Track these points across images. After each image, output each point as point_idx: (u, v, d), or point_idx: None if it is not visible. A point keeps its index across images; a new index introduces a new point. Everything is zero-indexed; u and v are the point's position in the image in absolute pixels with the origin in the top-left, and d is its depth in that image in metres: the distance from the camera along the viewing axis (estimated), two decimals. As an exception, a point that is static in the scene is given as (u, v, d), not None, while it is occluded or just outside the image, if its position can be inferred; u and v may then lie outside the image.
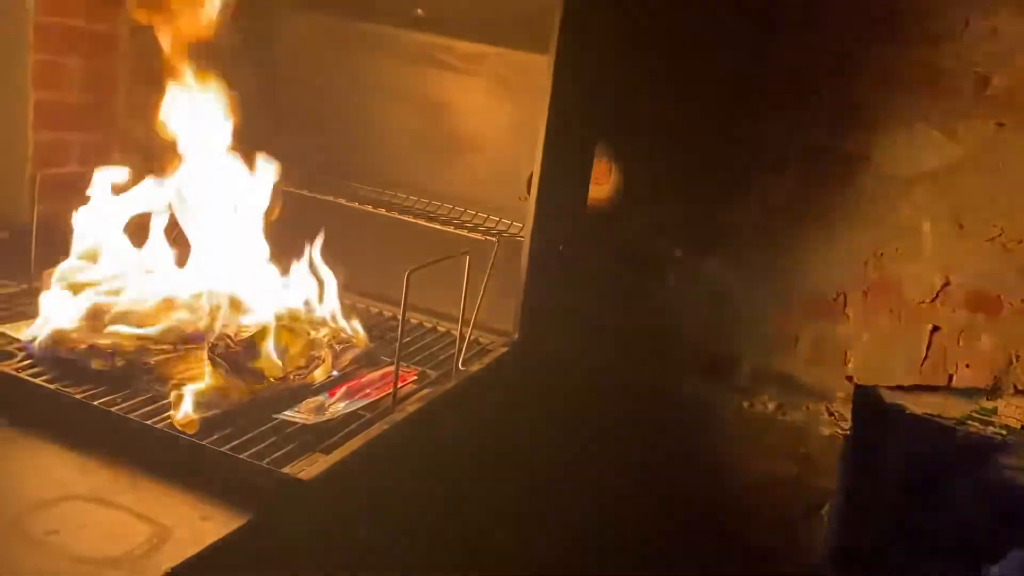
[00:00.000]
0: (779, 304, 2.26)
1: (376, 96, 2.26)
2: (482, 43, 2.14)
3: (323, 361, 1.66)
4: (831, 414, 2.24)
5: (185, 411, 1.40)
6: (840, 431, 2.22)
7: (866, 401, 2.23)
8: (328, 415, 1.49)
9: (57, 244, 1.84)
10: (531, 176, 1.96)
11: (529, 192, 1.97)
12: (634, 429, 2.29)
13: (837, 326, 2.24)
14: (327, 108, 2.31)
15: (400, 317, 1.57)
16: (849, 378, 2.24)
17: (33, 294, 1.75)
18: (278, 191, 1.83)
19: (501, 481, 1.98)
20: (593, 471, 2.29)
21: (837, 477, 2.23)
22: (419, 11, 2.16)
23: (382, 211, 2.11)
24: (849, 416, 2.22)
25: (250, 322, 1.64)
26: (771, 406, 2.28)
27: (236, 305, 1.70)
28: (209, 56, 1.87)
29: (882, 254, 2.17)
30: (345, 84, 2.29)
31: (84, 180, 2.44)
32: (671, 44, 2.24)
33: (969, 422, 2.17)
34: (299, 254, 1.88)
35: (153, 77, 1.91)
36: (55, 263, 1.76)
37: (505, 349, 1.96)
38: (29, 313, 1.70)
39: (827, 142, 2.18)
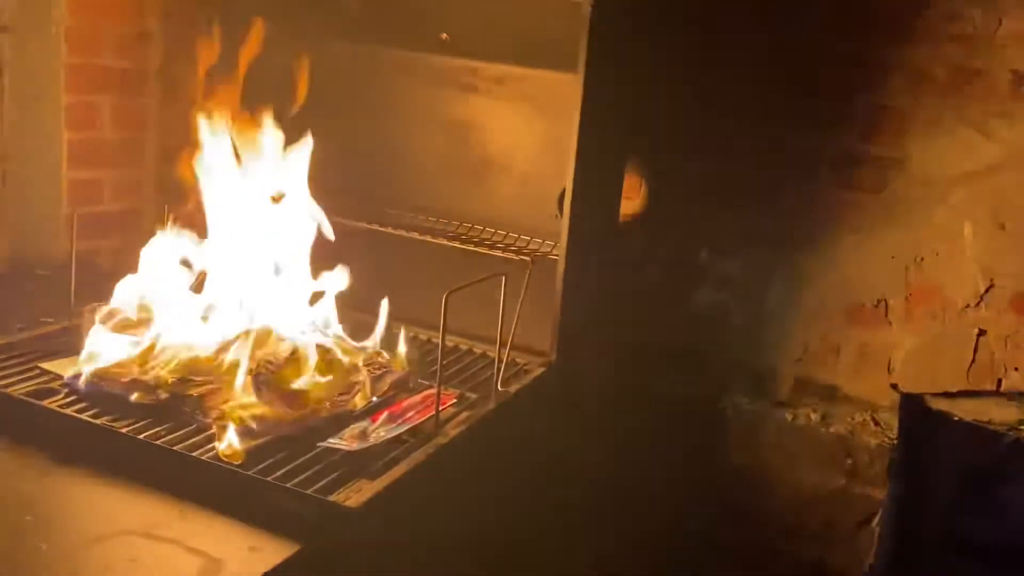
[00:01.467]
0: (819, 314, 2.23)
1: (404, 121, 2.27)
2: (508, 64, 2.15)
3: (363, 386, 1.65)
4: (877, 423, 2.20)
5: (229, 441, 1.40)
6: (887, 440, 2.17)
7: (913, 409, 2.19)
8: (371, 441, 1.48)
9: (93, 280, 1.86)
10: (562, 195, 1.96)
11: (561, 211, 1.96)
12: (675, 446, 2.26)
13: (879, 333, 2.20)
14: (356, 134, 2.33)
15: (440, 339, 1.56)
16: (894, 386, 2.20)
17: (73, 331, 1.77)
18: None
19: (545, 501, 1.96)
20: (635, 489, 2.26)
21: (886, 487, 2.18)
22: (444, 36, 2.17)
23: (415, 235, 2.11)
24: (896, 425, 2.18)
25: (289, 349, 1.64)
26: (815, 418, 2.24)
27: (274, 333, 1.71)
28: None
29: (922, 259, 2.14)
30: (373, 110, 2.30)
31: (116, 217, 2.48)
32: (698, 56, 2.23)
33: (1020, 427, 2.11)
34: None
35: (183, 113, 1.94)
36: (93, 300, 1.77)
37: (543, 369, 1.94)
38: (70, 350, 1.72)
39: (859, 147, 2.16)
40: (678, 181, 2.30)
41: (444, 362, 1.92)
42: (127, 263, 1.85)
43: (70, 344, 1.74)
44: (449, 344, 2.07)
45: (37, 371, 1.64)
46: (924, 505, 2.30)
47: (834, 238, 2.19)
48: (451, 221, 2.22)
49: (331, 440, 1.47)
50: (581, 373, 2.08)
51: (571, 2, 1.88)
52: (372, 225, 2.13)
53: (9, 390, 1.54)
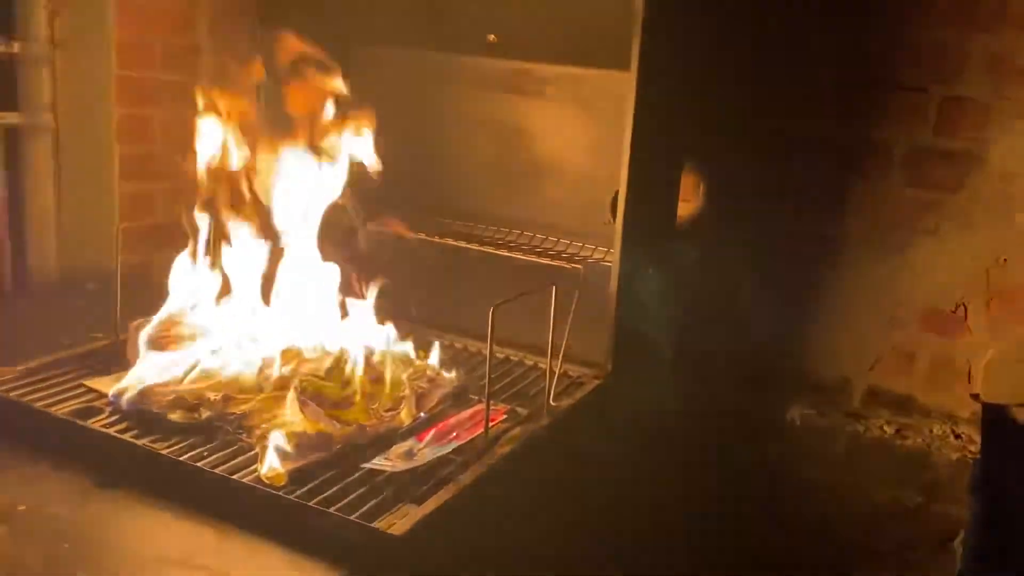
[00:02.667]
0: (892, 320, 2.11)
1: (452, 126, 2.23)
2: (558, 64, 2.08)
3: (407, 401, 1.59)
4: (957, 436, 2.06)
5: (270, 464, 1.34)
6: (969, 455, 2.03)
7: (996, 421, 2.04)
8: (417, 462, 1.42)
9: (145, 294, 1.83)
10: (615, 198, 1.88)
11: (614, 215, 1.88)
12: (740, 461, 2.16)
13: (958, 340, 2.06)
14: (402, 141, 2.27)
15: (487, 354, 1.49)
16: (975, 396, 2.06)
17: (120, 347, 1.74)
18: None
19: (601, 520, 1.87)
20: (699, 506, 2.15)
21: (968, 505, 2.04)
22: (491, 37, 2.10)
23: (462, 244, 2.05)
24: (978, 438, 2.04)
25: (332, 362, 1.59)
26: (889, 430, 2.11)
27: (316, 347, 1.66)
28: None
29: (1005, 260, 2.00)
30: (419, 115, 2.25)
31: (168, 229, 2.48)
32: (758, 48, 2.13)
33: (1116, 440, 1.96)
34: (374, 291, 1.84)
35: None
36: (145, 313, 1.74)
37: (598, 382, 1.86)
38: (117, 367, 1.69)
39: (934, 142, 2.03)
40: (739, 181, 2.20)
41: (494, 375, 1.86)
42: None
43: (117, 360, 1.71)
44: (500, 356, 2.00)
45: (83, 389, 1.62)
46: (1009, 523, 2.15)
47: (907, 239, 2.07)
48: (500, 228, 2.17)
49: (375, 461, 1.41)
50: (639, 385, 1.98)
51: (623, -2, 1.81)
52: (418, 234, 2.08)
53: (53, 409, 1.52)
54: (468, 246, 2.05)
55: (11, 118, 2.22)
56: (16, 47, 2.17)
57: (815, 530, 2.14)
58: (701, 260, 2.22)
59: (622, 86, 1.77)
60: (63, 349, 1.78)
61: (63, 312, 2.08)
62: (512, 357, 2.00)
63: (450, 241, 2.06)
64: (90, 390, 1.61)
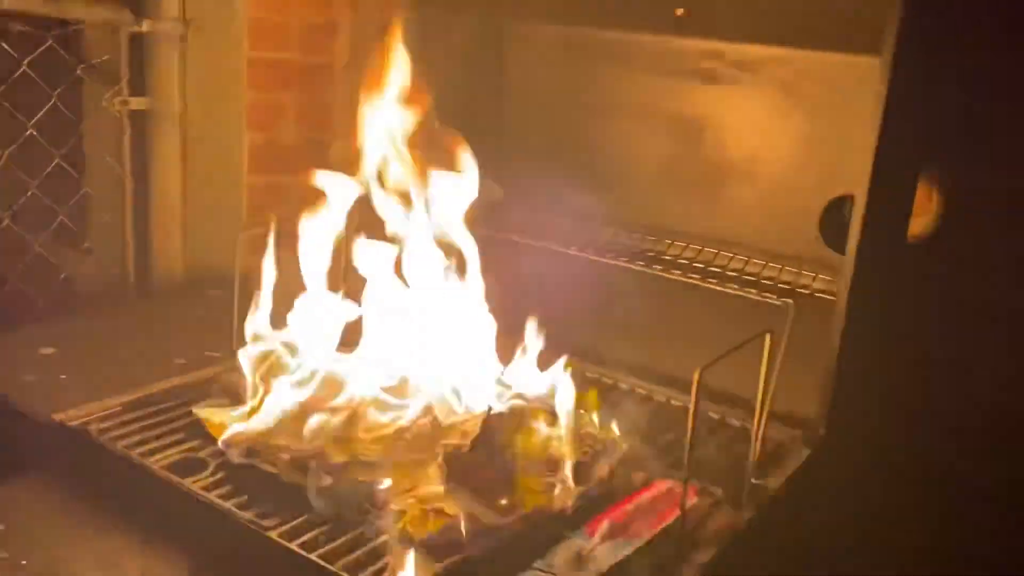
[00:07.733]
0: None
1: (623, 118, 1.93)
2: (761, 44, 1.73)
3: (564, 477, 1.24)
4: None
5: (408, 568, 1.03)
6: None
7: None
8: (593, 570, 1.07)
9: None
10: (829, 211, 1.58)
11: (826, 234, 1.55)
12: (1004, 548, 1.70)
13: None
14: (560, 136, 1.99)
15: (688, 428, 1.13)
16: None
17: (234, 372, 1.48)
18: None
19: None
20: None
21: None
22: (679, 11, 1.74)
23: (639, 266, 1.71)
24: None
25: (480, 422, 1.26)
26: None
27: (456, 397, 1.34)
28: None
29: None
30: (582, 106, 1.97)
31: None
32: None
33: None
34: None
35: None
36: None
37: (809, 450, 1.46)
38: (230, 393, 1.43)
39: None
40: (987, 194, 1.76)
41: (670, 437, 1.49)
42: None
43: (232, 385, 1.45)
44: (675, 404, 1.63)
45: (185, 432, 1.35)
46: None
47: None
48: (675, 242, 1.86)
49: (536, 567, 1.07)
50: (863, 450, 1.58)
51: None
52: (583, 252, 1.76)
53: (151, 459, 1.25)
54: (641, 268, 1.70)
55: (140, 103, 2.06)
56: (145, 25, 2.01)
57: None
58: (937, 287, 1.79)
59: (840, 71, 1.49)
60: (176, 373, 1.56)
61: (183, 324, 1.89)
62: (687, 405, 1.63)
63: (621, 262, 1.73)
64: (195, 434, 1.34)
